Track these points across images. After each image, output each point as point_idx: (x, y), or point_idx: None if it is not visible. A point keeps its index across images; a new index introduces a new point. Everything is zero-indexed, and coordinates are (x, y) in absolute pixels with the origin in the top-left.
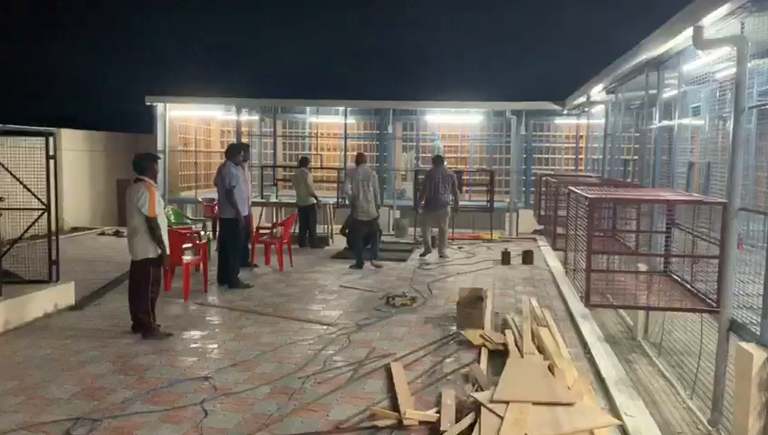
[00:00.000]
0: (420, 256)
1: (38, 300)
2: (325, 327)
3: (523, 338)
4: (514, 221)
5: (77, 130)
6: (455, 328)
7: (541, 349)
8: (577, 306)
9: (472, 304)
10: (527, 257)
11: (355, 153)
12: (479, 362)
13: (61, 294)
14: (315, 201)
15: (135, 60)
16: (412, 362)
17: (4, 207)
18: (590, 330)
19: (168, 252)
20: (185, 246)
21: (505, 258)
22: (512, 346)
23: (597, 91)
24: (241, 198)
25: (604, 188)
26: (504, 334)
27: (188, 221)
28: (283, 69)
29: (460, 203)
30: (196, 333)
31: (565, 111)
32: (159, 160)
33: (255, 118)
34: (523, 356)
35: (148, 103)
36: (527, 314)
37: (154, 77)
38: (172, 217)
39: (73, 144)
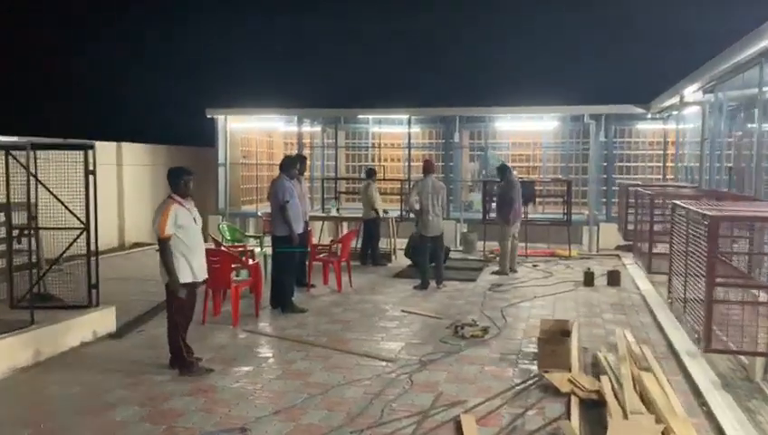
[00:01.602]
0: (496, 273)
1: (75, 327)
2: (384, 364)
3: (624, 387)
4: (594, 236)
5: (139, 143)
6: (535, 368)
7: (646, 401)
8: (681, 341)
9: (556, 339)
10: (613, 278)
11: (422, 163)
12: (569, 417)
13: (100, 321)
14: (377, 215)
15: (196, 72)
16: (487, 415)
17: (42, 227)
18: (701, 372)
19: (201, 278)
20: (234, 265)
21: (588, 279)
22: (610, 398)
23: (692, 92)
24: (296, 214)
25: (712, 202)
26: (599, 380)
27: (245, 238)
28: (344, 78)
29: (532, 216)
30: (239, 369)
31: (650, 115)
32: (188, 175)
33: (317, 129)
34: (627, 416)
35: (209, 116)
36: (624, 352)
37: (215, 89)
38: (227, 233)
39: (135, 158)
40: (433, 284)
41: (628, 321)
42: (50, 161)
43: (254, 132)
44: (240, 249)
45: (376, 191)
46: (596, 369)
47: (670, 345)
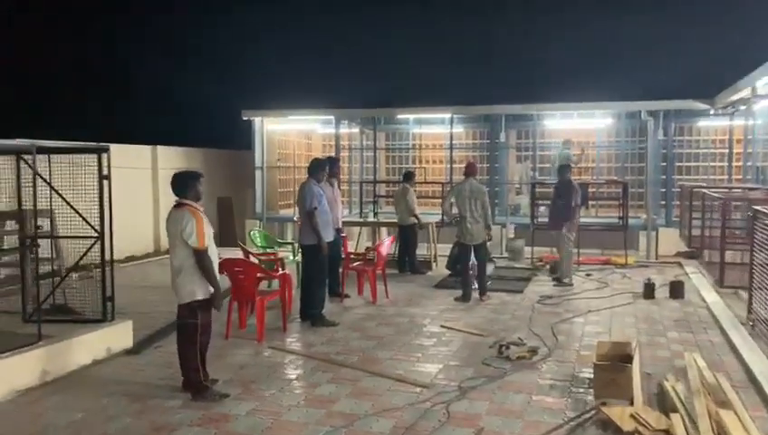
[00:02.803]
0: (558, 283)
1: (87, 343)
2: (419, 390)
3: (700, 429)
4: (653, 242)
5: (173, 147)
6: (591, 398)
7: None
8: (762, 367)
9: (615, 366)
10: (676, 290)
11: (464, 165)
12: None
13: (115, 336)
14: (416, 221)
15: (233, 73)
16: None
17: (44, 235)
18: None
19: (220, 290)
20: (260, 275)
21: (648, 291)
22: None
23: (765, 83)
24: (324, 221)
25: None
26: (668, 417)
27: (277, 245)
28: (384, 77)
29: (584, 220)
30: (258, 394)
31: (713, 111)
32: (202, 178)
33: (356, 130)
34: None
35: (245, 118)
36: (697, 384)
37: (252, 90)
38: (258, 239)
39: (170, 162)
40: (476, 295)
41: (695, 340)
42: (74, 165)
43: (291, 134)
44: (271, 257)
45: (413, 196)
46: (662, 401)
47: (748, 372)
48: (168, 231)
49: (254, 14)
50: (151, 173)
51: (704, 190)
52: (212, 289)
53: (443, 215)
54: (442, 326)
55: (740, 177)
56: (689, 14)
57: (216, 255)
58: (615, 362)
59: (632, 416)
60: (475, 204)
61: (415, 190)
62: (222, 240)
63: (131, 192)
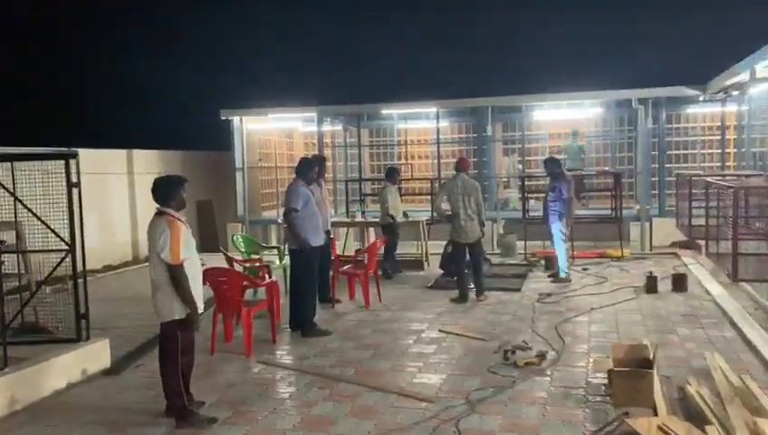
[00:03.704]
0: (555, 279)
1: (60, 366)
2: (424, 406)
3: None
4: (647, 232)
5: (149, 150)
6: (611, 407)
7: None
8: None
9: (636, 373)
10: (680, 283)
11: (456, 160)
12: None
13: (91, 356)
14: (391, 221)
15: (209, 71)
16: None
17: (24, 249)
18: None
19: (199, 310)
20: (245, 284)
21: (651, 285)
22: None
23: (763, 66)
24: (313, 224)
25: None
26: (701, 429)
27: (262, 250)
28: (366, 72)
29: (577, 213)
30: (249, 416)
31: (703, 98)
32: (186, 184)
33: (339, 128)
34: None
35: (223, 117)
36: (726, 389)
37: (230, 89)
38: (242, 245)
39: (146, 166)
40: (472, 295)
41: (708, 337)
42: (45, 173)
43: (272, 134)
44: (256, 264)
45: (393, 194)
46: (685, 407)
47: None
48: (148, 241)
49: (231, 9)
50: (127, 178)
51: (707, 178)
52: (189, 309)
53: (433, 212)
54: (441, 331)
55: (733, 163)
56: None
57: (198, 268)
58: (635, 369)
59: (660, 428)
60: (469, 200)
61: (399, 187)
62: (203, 245)
63: (106, 198)
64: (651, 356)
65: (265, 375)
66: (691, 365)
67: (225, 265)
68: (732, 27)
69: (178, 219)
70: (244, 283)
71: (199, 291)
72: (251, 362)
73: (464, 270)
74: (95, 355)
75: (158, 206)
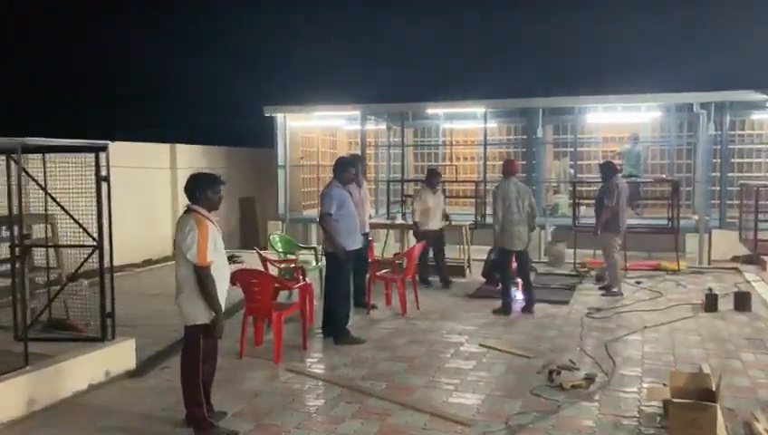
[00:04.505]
0: (607, 293)
1: (83, 366)
2: (459, 429)
3: None
4: (705, 245)
5: (194, 145)
6: None
7: None
8: None
9: (697, 406)
10: (742, 302)
11: (503, 162)
12: None
13: (115, 357)
14: (416, 227)
15: (254, 68)
16: None
17: (51, 244)
18: None
19: (221, 315)
20: (277, 286)
21: (711, 303)
22: None
23: None
24: (349, 227)
25: None
26: None
27: (299, 250)
28: (412, 70)
29: (631, 222)
30: (272, 431)
31: None
32: (222, 184)
33: (382, 127)
34: None
35: (267, 114)
36: None
37: (274, 86)
38: (279, 245)
39: (191, 161)
40: (516, 308)
41: None
42: (84, 166)
43: (315, 131)
44: (291, 265)
45: (421, 198)
46: None
47: None
48: (175, 239)
49: (276, 6)
50: (170, 173)
51: None
52: (214, 314)
53: (495, 223)
54: (481, 345)
55: None
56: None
57: (226, 269)
58: (695, 401)
59: None
60: (522, 205)
61: (436, 191)
62: (244, 243)
63: (149, 192)
64: (714, 387)
65: (293, 385)
66: (758, 397)
67: (260, 264)
68: None
69: (208, 219)
70: (276, 285)
71: (224, 295)
72: (279, 369)
73: (510, 279)
74: (120, 356)
75: (187, 203)
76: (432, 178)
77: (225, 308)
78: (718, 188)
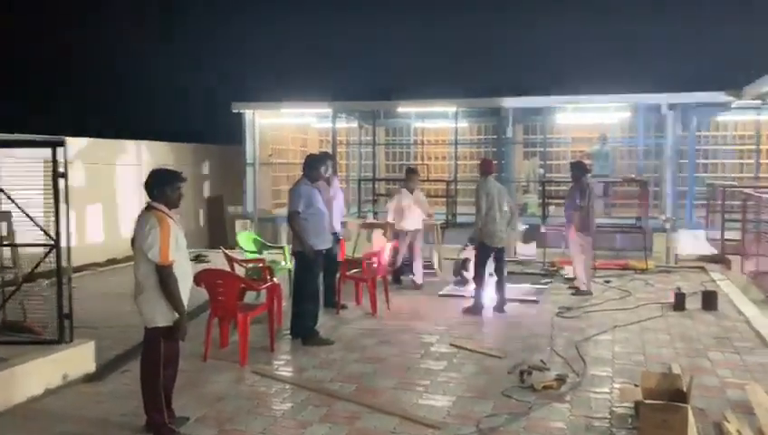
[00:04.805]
0: (577, 292)
1: (39, 370)
2: (429, 432)
3: None
4: (673, 244)
5: (161, 142)
6: None
7: None
8: None
9: (668, 407)
10: (709, 301)
11: (479, 162)
12: None
13: (73, 360)
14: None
15: (223, 63)
16: None
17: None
18: None
19: (184, 317)
20: (243, 287)
21: (679, 302)
22: None
23: None
24: (318, 226)
25: None
26: None
27: (267, 249)
28: (384, 68)
29: (600, 221)
30: None
31: (735, 104)
32: (183, 181)
33: (354, 125)
34: None
35: (235, 111)
36: None
37: (243, 82)
38: (247, 243)
39: (157, 158)
40: (487, 307)
41: (743, 363)
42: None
43: (286, 129)
44: (259, 265)
45: (395, 199)
46: None
47: None
48: (134, 238)
49: (247, 2)
50: (136, 170)
51: (747, 191)
52: (176, 315)
53: (478, 219)
54: (452, 345)
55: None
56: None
57: (188, 268)
58: (667, 402)
59: None
60: (503, 203)
61: (413, 190)
62: (212, 242)
63: (114, 190)
64: (685, 388)
65: (259, 388)
66: (727, 397)
67: (227, 265)
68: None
69: (169, 216)
70: (242, 286)
71: (187, 295)
72: (245, 372)
73: (484, 277)
74: (78, 359)
75: (148, 200)
76: (408, 178)
77: (189, 309)
78: (685, 189)
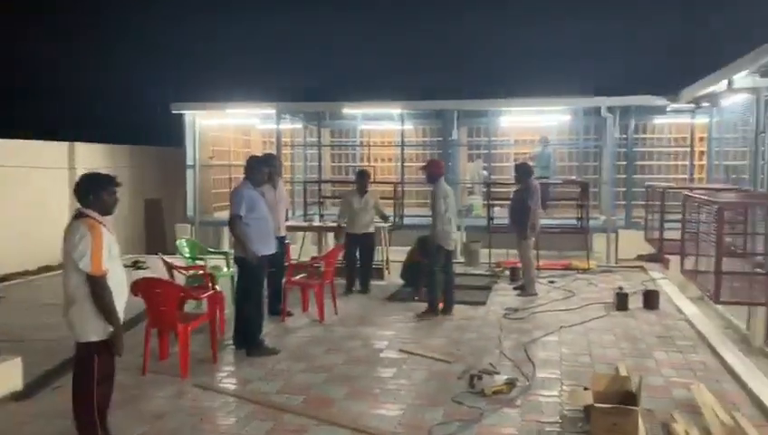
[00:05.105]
0: (522, 293)
1: None
2: None
3: None
4: (612, 244)
5: (95, 143)
6: None
7: None
8: None
9: (619, 410)
10: (651, 300)
11: (428, 163)
12: None
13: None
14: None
15: (161, 63)
16: None
17: None
18: None
19: (120, 330)
20: (183, 295)
21: (622, 302)
22: None
23: (744, 75)
24: (261, 232)
25: None
26: None
27: (208, 255)
28: (329, 69)
29: (543, 222)
30: None
31: (670, 108)
32: (115, 187)
33: (299, 126)
34: None
35: (175, 112)
36: (719, 430)
37: (182, 82)
38: (187, 249)
39: (91, 161)
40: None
41: (686, 362)
42: None
43: (228, 130)
44: (200, 272)
45: (344, 201)
46: None
47: (761, 406)
48: (64, 247)
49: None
50: (68, 173)
51: (685, 192)
52: (111, 328)
53: (439, 222)
54: (401, 351)
55: (699, 176)
56: (650, 7)
57: (123, 278)
58: (617, 405)
59: None
60: (454, 205)
61: (364, 193)
62: (150, 247)
63: (44, 195)
64: (635, 389)
65: (201, 403)
66: (673, 396)
67: (165, 273)
68: (704, 33)
69: (101, 223)
70: (182, 295)
71: (122, 307)
72: (186, 385)
73: (441, 281)
74: (3, 375)
75: (78, 207)
76: (359, 179)
77: (125, 321)
78: (624, 190)
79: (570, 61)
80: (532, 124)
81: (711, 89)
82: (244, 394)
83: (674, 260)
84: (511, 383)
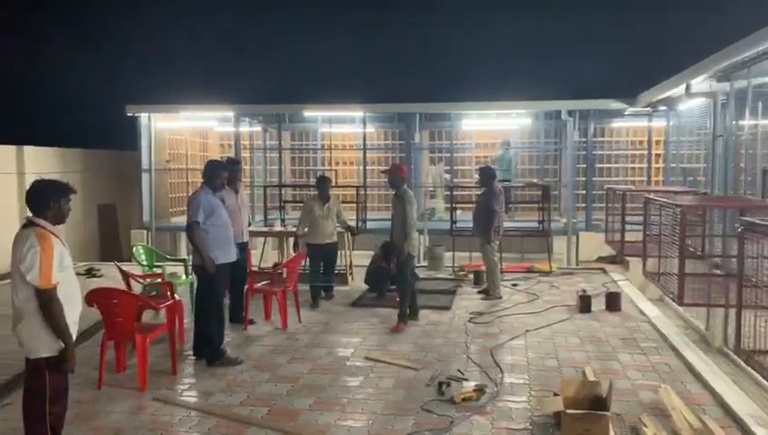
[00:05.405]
0: (486, 296)
1: None
2: None
3: None
4: (573, 246)
5: (45, 147)
6: None
7: None
8: (737, 399)
9: (589, 417)
10: (613, 302)
11: (392, 167)
12: None
13: None
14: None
15: (115, 63)
16: None
17: None
18: None
19: (72, 346)
20: (141, 305)
21: (585, 304)
22: None
23: (701, 80)
24: (220, 239)
25: None
26: None
27: (165, 262)
28: (289, 71)
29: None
30: None
31: (628, 112)
32: (70, 194)
33: (258, 129)
34: None
35: (129, 114)
36: (689, 433)
37: (137, 83)
38: (143, 257)
39: (42, 165)
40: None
41: (651, 364)
42: None
43: (185, 133)
44: (158, 280)
45: (305, 207)
46: None
47: (724, 406)
48: (12, 258)
49: None
50: (17, 178)
51: (647, 195)
52: (62, 344)
53: (411, 229)
54: (367, 358)
55: (656, 178)
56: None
57: (76, 290)
58: (588, 412)
59: None
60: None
61: (326, 200)
62: (104, 254)
63: None
64: (605, 394)
65: (161, 417)
66: (640, 399)
67: (121, 281)
68: (663, 38)
69: (52, 233)
70: (139, 304)
71: (75, 320)
72: (145, 399)
73: (412, 288)
74: None
75: (28, 215)
76: (319, 186)
77: (79, 332)
78: (584, 192)
79: (531, 65)
80: (494, 127)
81: (668, 93)
82: (205, 407)
83: (634, 262)
84: (480, 390)
